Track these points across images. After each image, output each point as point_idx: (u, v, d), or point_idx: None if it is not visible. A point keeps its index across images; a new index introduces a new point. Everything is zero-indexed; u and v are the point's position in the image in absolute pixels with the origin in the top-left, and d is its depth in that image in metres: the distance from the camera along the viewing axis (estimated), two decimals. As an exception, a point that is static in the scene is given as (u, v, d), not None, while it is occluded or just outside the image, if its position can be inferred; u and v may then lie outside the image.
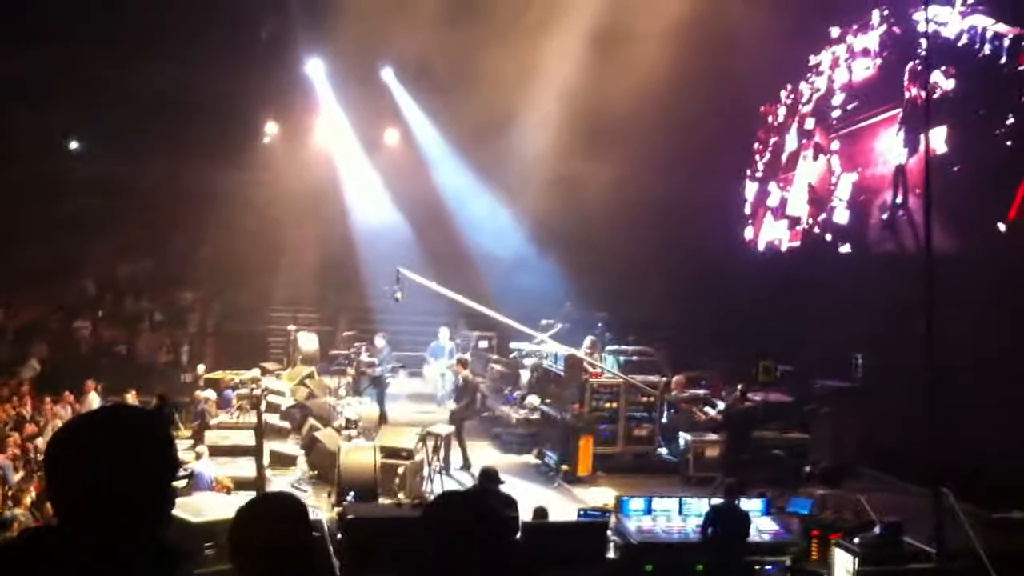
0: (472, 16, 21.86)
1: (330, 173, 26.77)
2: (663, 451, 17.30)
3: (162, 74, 22.95)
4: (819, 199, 19.92)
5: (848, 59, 18.93)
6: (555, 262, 24.18)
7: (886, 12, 17.60)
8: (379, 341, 20.54)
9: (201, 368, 20.67)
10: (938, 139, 14.88)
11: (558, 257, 24.21)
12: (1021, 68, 13.43)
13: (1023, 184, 13.49)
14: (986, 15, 14.23)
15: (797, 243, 20.90)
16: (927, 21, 13.77)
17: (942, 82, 15.08)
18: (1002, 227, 13.86)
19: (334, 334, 25.18)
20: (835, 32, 19.51)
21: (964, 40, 14.62)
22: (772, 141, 22.24)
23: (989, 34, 14.00)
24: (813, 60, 20.41)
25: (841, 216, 19.19)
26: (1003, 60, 13.71)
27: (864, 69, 18.31)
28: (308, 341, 22.82)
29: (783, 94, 21.75)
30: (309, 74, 25.82)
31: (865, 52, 18.31)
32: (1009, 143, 13.78)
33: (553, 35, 21.82)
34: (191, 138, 24.48)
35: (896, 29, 17.16)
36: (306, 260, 27.96)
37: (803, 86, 20.81)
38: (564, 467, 15.91)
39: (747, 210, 23.39)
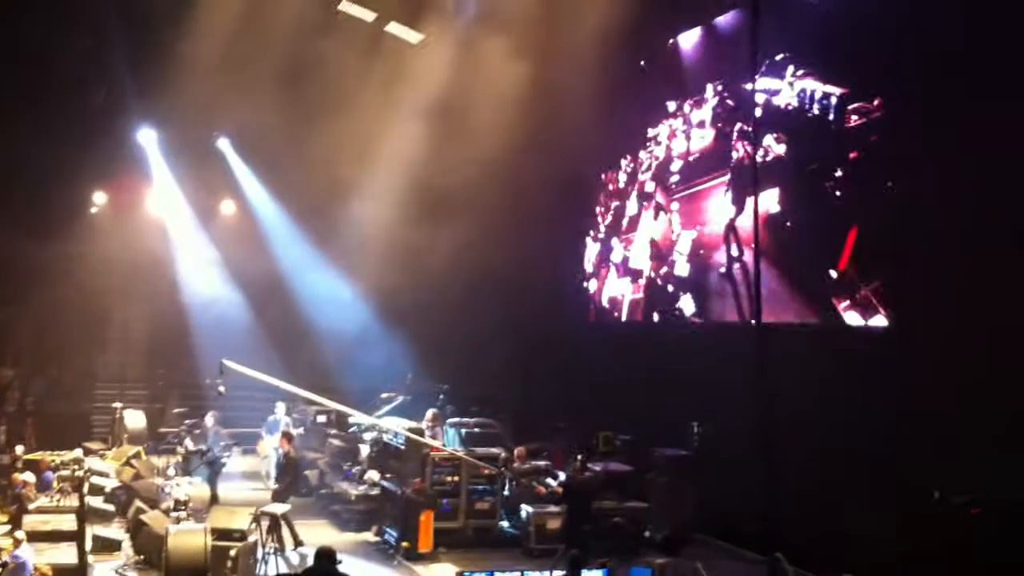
0: (307, 87, 21.84)
1: (162, 245, 26.00)
2: (505, 524, 17.18)
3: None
4: (661, 254, 20.39)
5: (685, 130, 19.62)
6: (396, 335, 24.04)
7: (719, 87, 18.36)
8: (208, 420, 19.85)
9: (20, 449, 19.49)
10: (771, 200, 15.59)
11: (399, 330, 24.08)
12: (848, 125, 14.15)
13: (852, 233, 14.11)
14: (815, 79, 14.96)
15: (640, 295, 21.23)
16: (753, 92, 14.63)
17: (774, 146, 15.80)
18: (834, 274, 14.49)
19: (163, 411, 24.27)
20: (672, 106, 20.22)
21: (794, 104, 15.35)
22: (614, 205, 22.75)
23: (818, 95, 14.69)
24: (651, 132, 21.05)
25: (682, 269, 19.59)
26: (831, 117, 14.44)
27: (700, 139, 19.00)
28: (135, 419, 21.87)
29: (623, 162, 22.33)
30: (141, 143, 25.14)
31: (700, 124, 19.03)
32: (839, 193, 14.44)
33: (391, 106, 21.98)
34: (8, 207, 23.43)
35: (729, 101, 17.89)
36: (135, 335, 27.04)
37: (642, 155, 21.42)
38: (404, 544, 15.58)
39: (589, 268, 23.70)
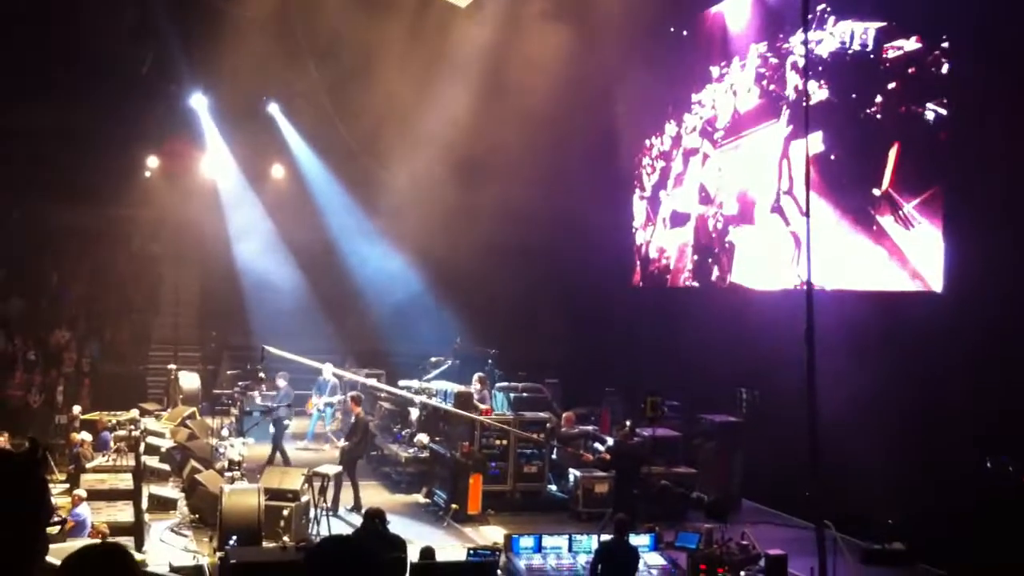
0: (354, 51, 21.82)
1: (214, 209, 26.24)
2: (553, 488, 17.30)
3: (37, 110, 22.30)
4: (709, 197, 20.39)
5: (729, 90, 19.65)
6: (444, 299, 24.15)
7: (764, 48, 18.42)
8: (280, 381, 20.09)
9: (77, 409, 19.89)
10: (816, 141, 15.80)
11: (447, 294, 24.18)
12: (885, 55, 14.77)
13: (894, 151, 14.66)
14: (855, 20, 15.44)
15: (690, 239, 21.17)
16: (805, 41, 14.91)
17: (817, 93, 16.12)
18: (877, 192, 14.91)
19: (217, 373, 24.61)
20: (715, 72, 20.20)
21: (836, 47, 15.89)
22: (659, 165, 22.69)
23: (859, 32, 15.18)
24: (695, 97, 21.01)
25: (731, 208, 19.58)
26: (870, 48, 15.04)
27: (745, 100, 19.07)
28: (189, 380, 22.21)
29: (668, 126, 22.23)
30: (193, 108, 25.33)
31: (744, 86, 19.13)
32: (879, 116, 14.93)
33: (437, 70, 21.95)
34: (65, 174, 23.82)
35: (774, 59, 18.05)
36: (187, 298, 27.37)
37: (687, 117, 21.38)
38: (454, 506, 15.74)
39: (637, 227, 23.62)
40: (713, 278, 20.22)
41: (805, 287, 10.55)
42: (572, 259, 23.63)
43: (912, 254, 14.41)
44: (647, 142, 23.12)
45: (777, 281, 17.82)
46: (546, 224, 22.70)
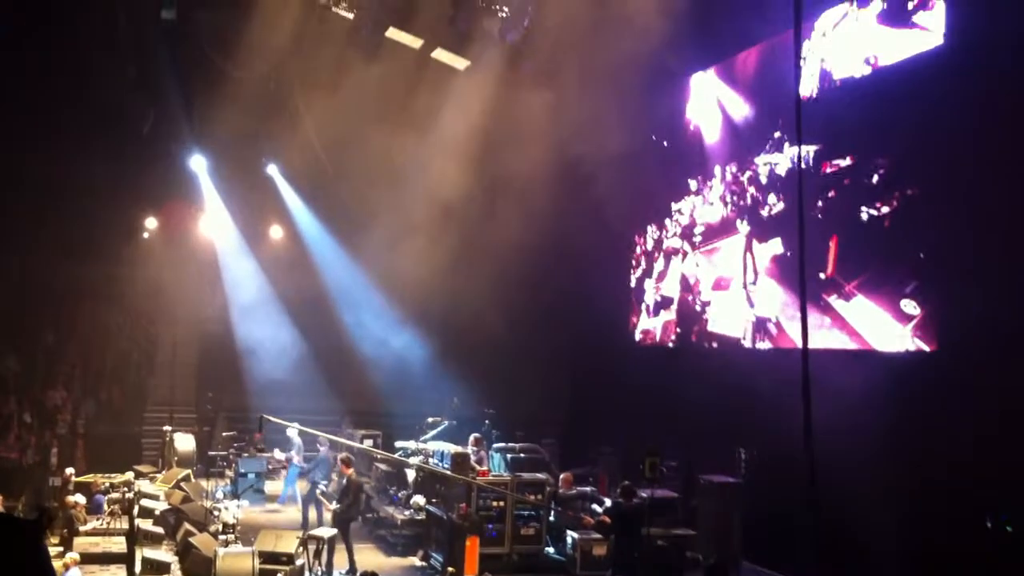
0: (353, 111, 22.04)
1: (211, 268, 26.32)
2: (550, 550, 17.12)
3: (35, 165, 22.44)
4: (689, 285, 21.57)
5: (704, 203, 21.18)
6: (442, 360, 24.12)
7: (733, 166, 20.13)
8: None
9: (70, 471, 19.76)
10: (776, 245, 18.35)
11: (445, 355, 24.16)
12: (823, 172, 16.83)
13: (833, 241, 16.49)
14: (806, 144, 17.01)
15: (672, 317, 22.01)
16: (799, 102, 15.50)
17: (776, 205, 18.49)
18: (822, 276, 16.59)
19: (212, 434, 24.49)
20: (693, 185, 21.56)
21: (790, 165, 18.12)
22: (643, 264, 23.57)
23: (804, 154, 16.84)
24: (675, 206, 22.24)
25: (708, 296, 20.78)
26: (812, 167, 16.95)
27: (718, 208, 20.72)
28: (184, 442, 22.04)
29: (650, 229, 23.21)
30: (192, 168, 25.52)
31: (716, 197, 20.77)
32: (820, 217, 16.61)
33: (432, 134, 22.23)
34: (61, 231, 23.88)
35: (741, 177, 19.84)
36: (183, 358, 27.33)
37: (668, 223, 22.59)
38: (450, 569, 15.53)
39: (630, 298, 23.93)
40: (694, 338, 21.05)
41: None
42: (569, 322, 23.69)
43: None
44: (635, 237, 23.85)
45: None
46: (543, 286, 22.79)
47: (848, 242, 16.37)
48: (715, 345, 20.29)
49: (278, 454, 21.60)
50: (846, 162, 16.51)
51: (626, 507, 15.07)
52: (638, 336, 23.28)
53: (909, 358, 14.65)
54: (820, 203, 16.77)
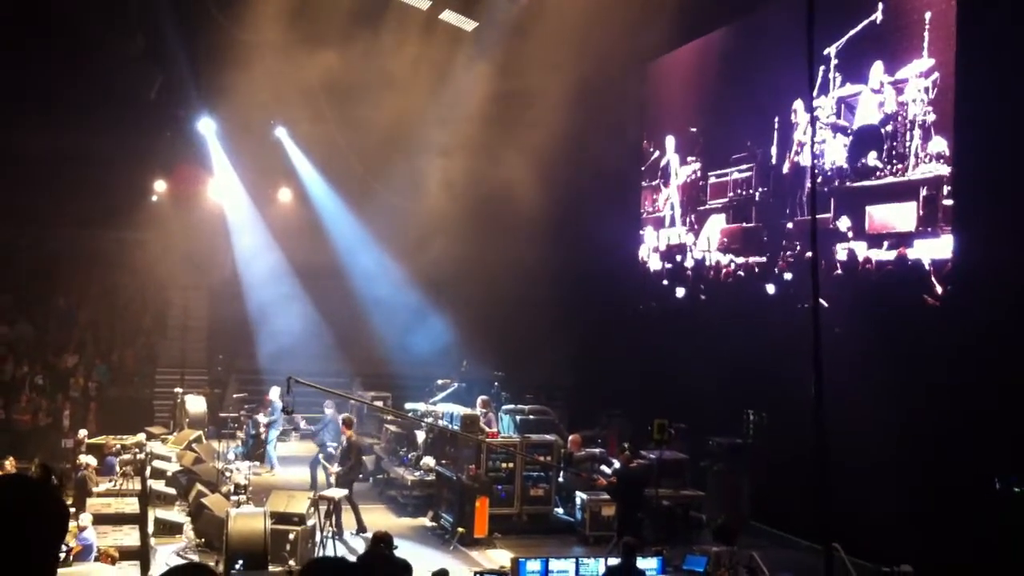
0: (360, 73, 21.93)
1: (221, 231, 26.33)
2: (559, 511, 17.22)
3: (44, 133, 22.43)
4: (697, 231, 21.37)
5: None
6: (452, 322, 24.13)
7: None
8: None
9: (82, 433, 19.87)
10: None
11: (455, 317, 24.17)
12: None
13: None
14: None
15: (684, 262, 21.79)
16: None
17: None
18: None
19: (223, 396, 24.60)
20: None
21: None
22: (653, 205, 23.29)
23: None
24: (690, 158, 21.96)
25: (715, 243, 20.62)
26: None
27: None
28: (196, 404, 22.18)
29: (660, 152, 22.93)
30: (201, 132, 25.45)
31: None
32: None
33: (441, 93, 22.08)
34: (70, 197, 23.90)
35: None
36: (194, 322, 27.42)
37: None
38: (460, 529, 15.68)
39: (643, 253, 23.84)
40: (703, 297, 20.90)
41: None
42: (580, 282, 23.61)
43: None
44: (642, 183, 23.68)
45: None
46: (553, 247, 22.71)
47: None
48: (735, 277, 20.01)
49: (261, 418, 21.48)
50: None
51: (629, 470, 15.15)
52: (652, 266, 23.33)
53: (923, 309, 14.45)
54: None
